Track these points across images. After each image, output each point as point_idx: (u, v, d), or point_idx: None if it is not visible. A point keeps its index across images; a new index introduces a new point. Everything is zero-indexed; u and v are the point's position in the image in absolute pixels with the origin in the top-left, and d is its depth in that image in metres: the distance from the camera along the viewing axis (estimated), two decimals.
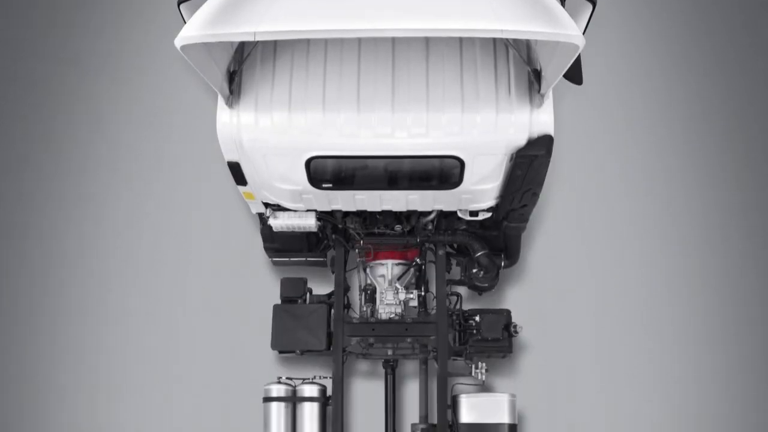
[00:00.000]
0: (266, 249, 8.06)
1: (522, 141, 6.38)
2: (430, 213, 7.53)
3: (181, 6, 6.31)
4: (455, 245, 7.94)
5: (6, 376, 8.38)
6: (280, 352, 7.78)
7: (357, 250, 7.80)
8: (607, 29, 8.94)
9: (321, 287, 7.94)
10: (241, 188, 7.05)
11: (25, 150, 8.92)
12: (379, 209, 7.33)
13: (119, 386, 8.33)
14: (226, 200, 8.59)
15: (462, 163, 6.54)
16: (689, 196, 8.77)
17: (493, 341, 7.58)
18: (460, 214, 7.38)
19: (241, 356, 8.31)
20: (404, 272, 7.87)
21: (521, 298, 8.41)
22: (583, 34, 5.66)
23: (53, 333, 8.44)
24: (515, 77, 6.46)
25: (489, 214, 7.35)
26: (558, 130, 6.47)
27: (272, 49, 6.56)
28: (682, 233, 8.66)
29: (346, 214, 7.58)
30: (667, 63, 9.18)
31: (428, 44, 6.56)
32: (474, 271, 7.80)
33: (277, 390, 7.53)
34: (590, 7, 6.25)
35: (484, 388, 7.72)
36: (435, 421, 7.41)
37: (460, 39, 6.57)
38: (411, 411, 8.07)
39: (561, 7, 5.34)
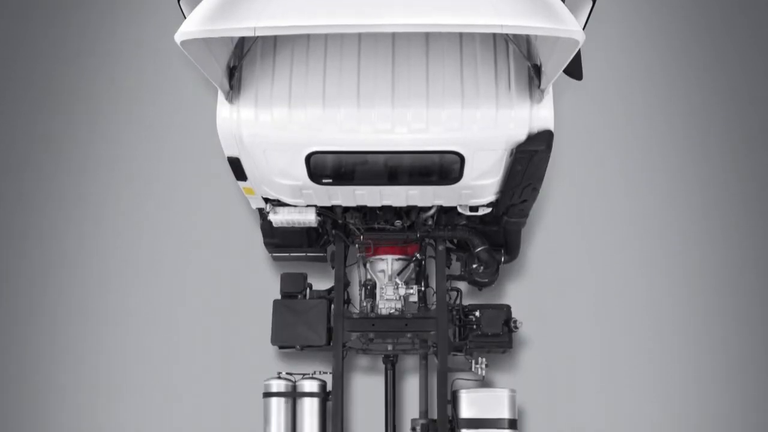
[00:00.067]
0: (266, 244, 8.06)
1: (522, 136, 6.38)
2: (430, 208, 7.54)
3: (181, 1, 6.32)
4: (455, 240, 7.94)
5: (6, 376, 8.37)
6: (280, 347, 7.80)
7: (357, 246, 7.81)
8: (607, 24, 8.94)
9: (321, 282, 7.94)
10: (241, 184, 7.06)
11: (25, 148, 8.92)
12: (379, 204, 7.33)
13: (119, 382, 8.33)
14: (226, 196, 8.58)
15: (462, 159, 6.54)
16: (689, 192, 8.77)
17: (493, 336, 7.59)
18: (460, 210, 7.39)
19: (241, 351, 8.31)
20: (404, 267, 7.88)
21: (521, 293, 8.42)
22: (583, 29, 5.64)
23: (53, 326, 8.45)
24: (515, 72, 6.46)
25: (489, 210, 7.35)
26: (558, 125, 6.47)
27: (272, 45, 6.56)
28: (682, 228, 8.67)
29: (346, 209, 7.59)
30: (667, 58, 9.17)
31: (428, 40, 6.56)
32: (474, 266, 7.81)
33: (277, 385, 7.53)
34: (590, 2, 6.25)
35: (484, 383, 7.73)
36: (435, 417, 7.41)
37: (460, 34, 6.57)
38: (411, 406, 8.07)
39: (561, 3, 5.34)
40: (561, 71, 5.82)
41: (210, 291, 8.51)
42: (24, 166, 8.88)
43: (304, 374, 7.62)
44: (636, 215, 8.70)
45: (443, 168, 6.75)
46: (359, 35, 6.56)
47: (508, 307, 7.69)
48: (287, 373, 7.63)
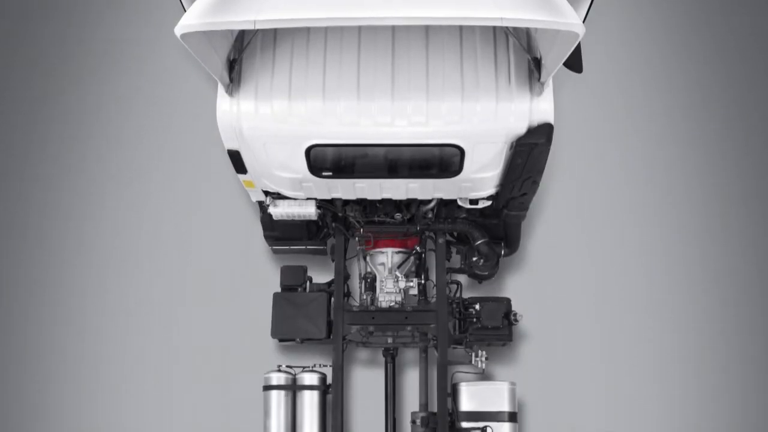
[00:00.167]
0: (266, 237, 8.05)
1: (522, 129, 6.39)
2: (430, 201, 7.54)
3: None
4: (455, 233, 7.94)
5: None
6: (280, 340, 7.80)
7: (357, 239, 7.81)
8: (607, 17, 8.93)
9: (321, 275, 7.95)
10: (241, 176, 7.06)
11: (25, 143, 8.91)
12: (379, 197, 7.34)
13: (119, 375, 8.33)
14: (226, 188, 8.58)
15: (462, 152, 6.54)
16: (689, 184, 8.77)
17: (493, 329, 7.59)
18: (460, 203, 7.39)
19: (241, 345, 8.31)
20: (404, 260, 7.88)
21: (521, 286, 8.42)
22: (583, 22, 5.66)
23: (55, 319, 8.46)
24: (515, 66, 6.46)
25: (489, 203, 7.35)
26: (558, 118, 6.48)
27: (272, 38, 6.56)
28: (682, 221, 8.67)
29: (346, 202, 7.59)
30: (667, 51, 9.17)
31: (428, 33, 6.56)
32: (474, 259, 7.81)
33: (277, 378, 7.53)
34: None
35: (484, 376, 7.73)
36: (435, 410, 7.42)
37: (460, 27, 6.57)
38: (411, 399, 8.08)
39: None
40: (561, 64, 5.83)
41: (210, 284, 8.52)
42: (24, 159, 8.88)
43: (304, 367, 7.63)
44: (636, 208, 8.70)
45: (443, 161, 6.75)
46: (359, 28, 6.56)
47: (508, 300, 7.69)
48: (287, 366, 7.64)
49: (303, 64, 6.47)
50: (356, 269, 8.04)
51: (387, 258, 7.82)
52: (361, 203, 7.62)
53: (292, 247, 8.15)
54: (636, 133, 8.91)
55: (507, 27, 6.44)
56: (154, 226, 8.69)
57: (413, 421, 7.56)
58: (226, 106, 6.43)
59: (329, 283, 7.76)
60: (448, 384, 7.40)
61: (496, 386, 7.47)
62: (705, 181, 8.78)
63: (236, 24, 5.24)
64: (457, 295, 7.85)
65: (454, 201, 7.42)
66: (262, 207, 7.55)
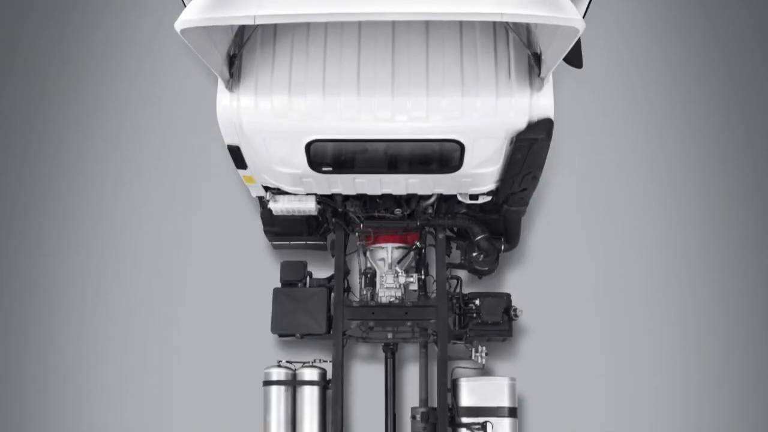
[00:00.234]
0: (266, 232, 8.05)
1: (522, 124, 6.39)
2: (430, 197, 7.54)
3: None
4: (455, 229, 7.95)
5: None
6: (280, 335, 7.80)
7: (357, 234, 7.81)
8: (607, 12, 8.93)
9: (321, 271, 7.95)
10: (241, 172, 7.06)
11: (25, 138, 8.92)
12: (379, 193, 7.33)
13: (118, 370, 8.34)
14: (226, 184, 8.58)
15: (462, 147, 6.54)
16: (689, 178, 8.77)
17: (493, 325, 7.59)
18: (460, 198, 7.39)
19: (241, 340, 8.32)
20: (404, 256, 7.88)
21: (521, 281, 8.42)
22: (583, 17, 5.65)
23: (56, 310, 8.47)
24: (515, 61, 6.46)
25: (489, 198, 7.36)
26: (558, 113, 6.47)
27: (272, 33, 6.56)
28: (682, 215, 8.67)
29: (346, 197, 7.59)
30: (666, 46, 9.16)
31: (428, 28, 6.55)
32: (474, 254, 7.81)
33: (277, 374, 7.54)
34: None
35: (484, 371, 7.73)
36: (435, 405, 7.42)
37: (460, 23, 6.56)
38: (411, 394, 8.09)
39: None
40: (561, 59, 5.82)
41: (210, 279, 8.52)
42: (24, 155, 8.88)
43: (304, 362, 7.64)
44: (636, 202, 8.71)
45: (443, 156, 6.75)
46: (359, 24, 6.55)
47: (508, 296, 7.70)
48: (287, 362, 7.64)
49: (303, 59, 6.47)
50: (356, 264, 8.04)
51: (387, 253, 7.82)
52: (361, 198, 7.61)
53: (292, 243, 8.15)
54: (636, 128, 8.91)
55: (507, 22, 6.43)
56: (154, 221, 8.69)
57: (413, 417, 7.56)
58: (226, 101, 6.43)
59: (329, 279, 7.76)
60: (448, 379, 7.40)
61: (496, 382, 7.48)
62: (705, 175, 8.78)
63: (236, 19, 5.25)
64: (457, 290, 7.86)
65: (454, 196, 7.42)
66: (262, 202, 7.55)
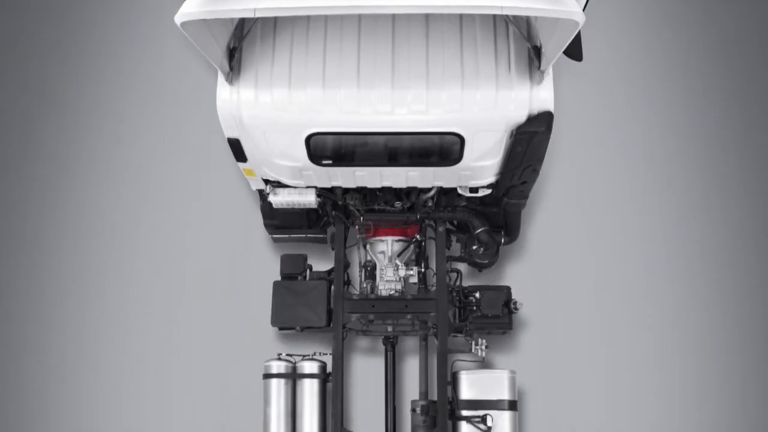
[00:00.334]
0: (266, 226, 8.05)
1: (522, 117, 6.38)
2: (430, 189, 7.54)
3: None
4: (455, 222, 7.94)
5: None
6: (280, 328, 7.81)
7: (357, 227, 7.81)
8: (607, 5, 8.92)
9: (321, 264, 7.95)
10: (241, 165, 7.06)
11: (25, 136, 8.91)
12: (379, 186, 7.33)
13: (119, 363, 8.34)
14: (226, 177, 8.58)
15: (462, 140, 6.54)
16: (689, 172, 8.77)
17: (493, 318, 7.60)
18: (460, 191, 7.39)
19: (241, 333, 8.31)
20: (404, 249, 7.89)
21: (521, 274, 8.43)
22: (583, 10, 5.65)
23: (56, 305, 8.47)
24: (515, 54, 6.45)
25: (489, 191, 7.35)
26: (558, 106, 6.47)
27: (272, 26, 6.55)
28: (682, 209, 8.67)
29: (346, 190, 7.59)
30: (666, 39, 9.15)
31: (428, 21, 6.54)
32: (474, 247, 7.81)
33: (277, 367, 7.54)
34: None
35: (484, 364, 7.75)
36: (435, 398, 7.42)
37: (460, 16, 6.55)
38: (411, 387, 8.09)
39: None
40: (561, 52, 5.82)
41: (210, 272, 8.52)
42: (23, 154, 8.87)
43: (304, 355, 7.64)
44: (636, 196, 8.70)
45: (443, 149, 6.75)
46: (359, 17, 6.55)
47: (508, 289, 7.70)
48: (287, 355, 7.64)
49: (303, 52, 6.47)
50: (356, 257, 8.04)
51: (387, 246, 7.83)
52: (361, 191, 7.61)
53: (292, 236, 8.15)
54: (636, 121, 8.91)
55: (507, 15, 6.43)
56: (154, 215, 8.69)
57: (413, 410, 7.56)
58: (226, 94, 6.42)
59: (329, 272, 7.76)
60: (448, 372, 7.40)
61: (496, 374, 7.48)
62: (705, 169, 8.78)
63: (236, 12, 5.24)
64: (457, 283, 7.86)
65: (454, 189, 7.42)
66: (262, 195, 7.55)
